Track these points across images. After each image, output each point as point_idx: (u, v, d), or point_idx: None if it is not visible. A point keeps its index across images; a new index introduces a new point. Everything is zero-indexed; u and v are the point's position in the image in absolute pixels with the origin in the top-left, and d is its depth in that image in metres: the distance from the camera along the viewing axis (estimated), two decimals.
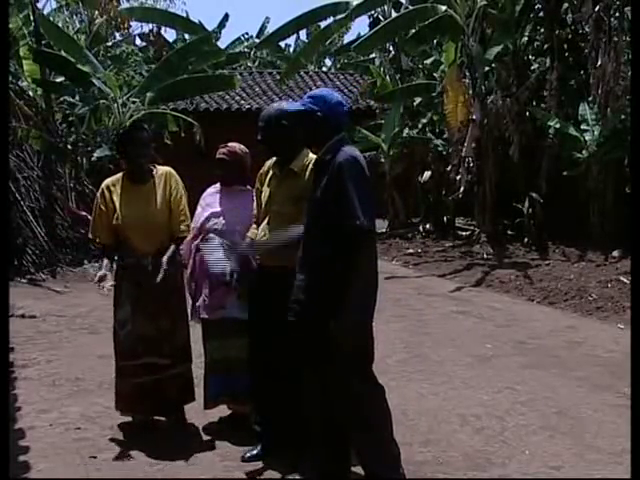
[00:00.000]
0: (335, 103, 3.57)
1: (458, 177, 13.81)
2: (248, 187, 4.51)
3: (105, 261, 4.51)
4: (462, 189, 13.75)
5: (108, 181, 4.61)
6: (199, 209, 4.63)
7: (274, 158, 4.09)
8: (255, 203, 4.23)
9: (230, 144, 4.58)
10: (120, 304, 4.50)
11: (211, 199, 4.60)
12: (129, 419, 4.63)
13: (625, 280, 9.09)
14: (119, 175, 4.61)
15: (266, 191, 4.08)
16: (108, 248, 4.58)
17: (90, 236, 4.73)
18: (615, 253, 11.10)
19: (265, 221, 4.02)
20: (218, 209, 4.53)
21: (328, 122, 3.53)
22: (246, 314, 4.20)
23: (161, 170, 4.58)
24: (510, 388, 5.47)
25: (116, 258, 4.62)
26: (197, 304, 4.56)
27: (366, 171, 3.48)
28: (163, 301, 4.44)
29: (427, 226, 16.24)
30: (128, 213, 4.44)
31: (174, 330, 4.50)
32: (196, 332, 4.72)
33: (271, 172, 4.10)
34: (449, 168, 14.19)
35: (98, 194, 4.60)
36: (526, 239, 13.18)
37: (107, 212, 4.50)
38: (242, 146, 4.56)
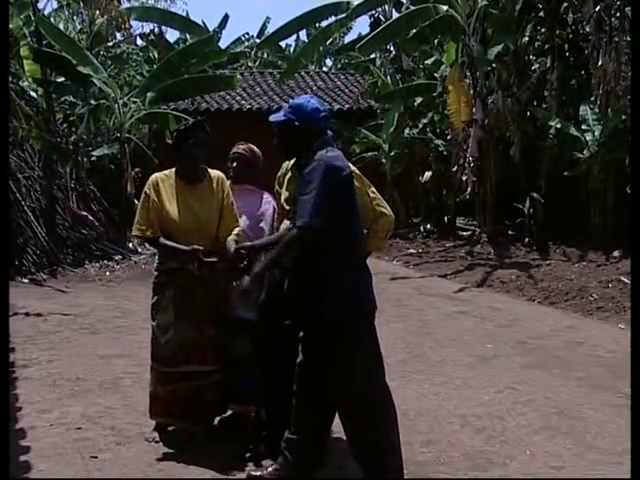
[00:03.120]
0: (311, 110, 3.60)
1: (464, 178, 13.80)
2: (255, 187, 4.52)
3: (169, 244, 4.28)
4: (469, 190, 13.73)
5: (159, 175, 4.43)
6: None
7: (292, 160, 4.07)
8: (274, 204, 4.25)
9: (251, 144, 4.56)
10: (162, 309, 4.33)
11: None
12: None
13: (626, 280, 9.09)
14: (169, 171, 4.44)
15: (285, 193, 4.07)
16: (156, 240, 4.33)
17: (136, 232, 4.41)
18: (616, 253, 11.10)
19: (287, 221, 4.00)
20: None
21: (306, 129, 3.57)
22: (249, 313, 4.21)
23: (214, 174, 4.44)
24: (511, 388, 5.47)
25: (157, 261, 4.48)
26: None
27: (334, 172, 3.47)
28: (207, 307, 4.31)
29: (428, 226, 16.24)
30: (179, 213, 4.29)
31: (217, 336, 4.35)
32: None
33: (289, 174, 4.09)
34: (455, 169, 14.18)
35: (148, 187, 4.37)
36: (527, 239, 13.18)
37: (159, 206, 4.31)
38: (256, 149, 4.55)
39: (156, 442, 4.35)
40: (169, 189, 4.35)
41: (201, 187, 4.38)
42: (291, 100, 3.79)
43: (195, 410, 4.34)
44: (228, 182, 4.57)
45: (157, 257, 4.54)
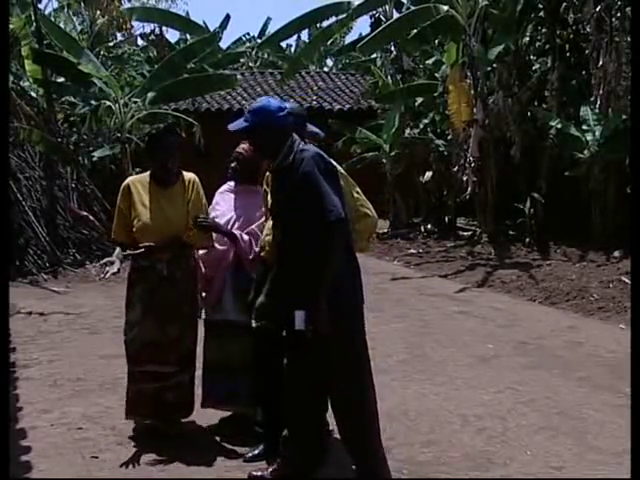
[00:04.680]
0: (274, 109, 3.59)
1: (465, 178, 13.80)
2: (259, 188, 4.53)
3: (117, 250, 4.42)
4: (469, 190, 13.73)
5: (132, 179, 4.53)
6: (212, 213, 4.57)
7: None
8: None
9: None
10: (131, 307, 4.43)
11: (225, 204, 4.58)
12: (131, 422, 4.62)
13: (626, 280, 9.08)
14: (144, 175, 4.54)
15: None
16: (124, 247, 4.46)
17: (113, 235, 4.60)
18: (616, 253, 11.09)
19: (270, 221, 4.03)
20: (233, 213, 4.52)
21: (273, 131, 3.56)
22: (242, 317, 4.23)
23: (187, 176, 4.50)
24: (511, 388, 5.47)
25: (130, 259, 4.55)
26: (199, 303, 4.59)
27: (331, 164, 3.56)
28: (174, 307, 4.38)
29: (428, 226, 16.23)
30: (151, 214, 4.37)
31: (181, 337, 4.41)
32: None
33: None
34: (456, 169, 14.17)
35: (120, 192, 4.48)
36: (527, 239, 13.17)
37: (128, 211, 4.41)
38: None
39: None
40: (142, 192, 4.43)
41: (174, 189, 4.46)
42: (253, 105, 3.73)
43: (158, 411, 4.41)
44: (231, 184, 4.60)
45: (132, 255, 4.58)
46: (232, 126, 3.69)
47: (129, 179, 4.57)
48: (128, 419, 4.54)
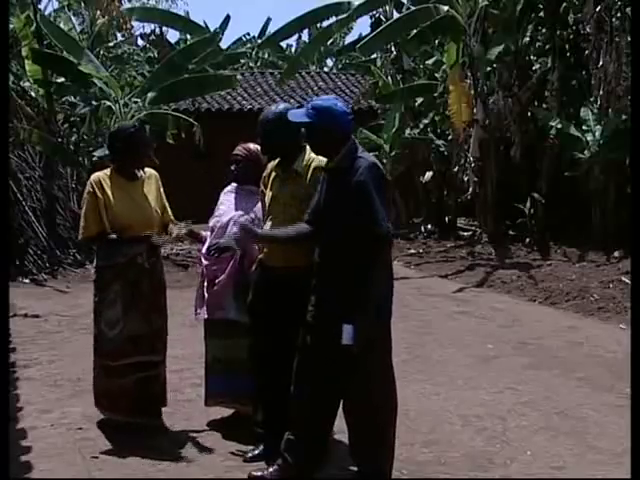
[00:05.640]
0: (341, 114, 3.58)
1: (465, 178, 13.80)
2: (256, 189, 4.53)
3: (114, 236, 4.42)
4: (470, 190, 13.73)
5: (98, 176, 4.54)
6: (215, 219, 4.59)
7: (276, 160, 4.11)
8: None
9: (250, 144, 4.58)
10: (109, 304, 4.44)
11: (227, 204, 4.58)
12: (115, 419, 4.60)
13: (626, 280, 9.07)
14: (107, 171, 4.56)
15: (269, 193, 4.09)
16: (96, 240, 4.53)
17: (81, 236, 4.62)
18: (616, 253, 11.09)
19: (269, 222, 4.04)
20: (234, 212, 4.53)
21: (336, 134, 3.55)
22: (243, 316, 4.24)
23: (148, 171, 4.64)
24: (512, 388, 5.47)
25: (99, 259, 4.63)
26: (200, 304, 4.59)
27: (385, 176, 3.61)
28: (154, 298, 4.49)
29: (429, 226, 16.23)
30: (126, 207, 4.44)
31: (163, 326, 4.56)
32: (198, 332, 4.74)
33: (274, 174, 4.11)
34: (456, 169, 14.17)
35: (92, 187, 4.48)
36: (528, 239, 13.17)
37: (101, 206, 4.44)
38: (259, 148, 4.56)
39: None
40: (112, 187, 4.49)
41: (141, 183, 4.58)
42: (318, 102, 3.68)
43: (143, 403, 4.43)
44: (234, 185, 4.62)
45: (97, 254, 4.67)
46: (293, 115, 3.68)
47: (97, 175, 4.58)
48: (107, 415, 4.56)
